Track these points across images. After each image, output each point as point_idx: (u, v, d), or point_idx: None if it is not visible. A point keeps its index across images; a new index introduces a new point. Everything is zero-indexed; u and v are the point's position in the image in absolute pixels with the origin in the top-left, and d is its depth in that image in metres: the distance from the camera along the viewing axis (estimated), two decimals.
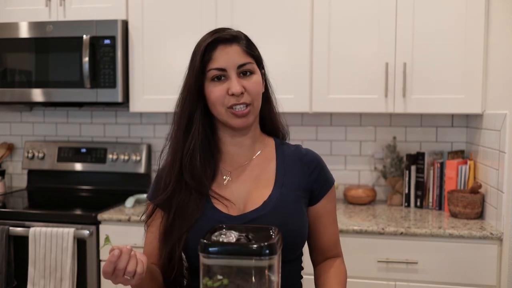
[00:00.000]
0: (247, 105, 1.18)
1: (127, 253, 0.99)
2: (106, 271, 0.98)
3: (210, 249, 0.92)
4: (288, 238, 1.10)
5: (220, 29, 1.22)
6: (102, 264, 2.35)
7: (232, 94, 1.16)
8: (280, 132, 1.34)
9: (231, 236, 0.98)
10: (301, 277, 1.30)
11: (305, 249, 1.29)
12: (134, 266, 1.00)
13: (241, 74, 1.18)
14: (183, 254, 1.19)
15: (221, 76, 1.17)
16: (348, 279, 2.23)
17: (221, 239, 0.97)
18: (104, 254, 2.35)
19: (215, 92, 1.17)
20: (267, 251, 0.91)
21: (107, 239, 1.04)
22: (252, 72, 1.19)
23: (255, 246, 0.92)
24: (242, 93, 1.16)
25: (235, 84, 1.16)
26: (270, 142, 1.31)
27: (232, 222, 1.14)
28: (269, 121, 1.31)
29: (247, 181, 1.23)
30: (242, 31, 1.25)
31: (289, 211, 1.19)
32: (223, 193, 1.21)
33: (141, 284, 1.08)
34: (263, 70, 1.27)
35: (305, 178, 1.24)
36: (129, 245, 1.01)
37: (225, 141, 1.26)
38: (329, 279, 1.23)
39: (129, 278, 1.00)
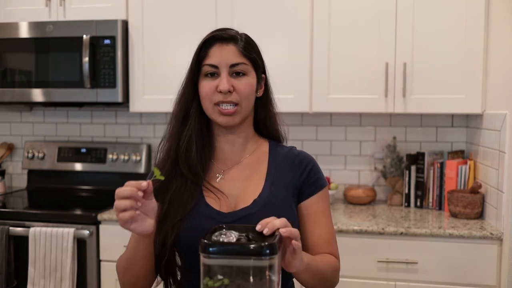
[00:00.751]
0: (235, 104, 1.19)
1: (150, 192, 1.03)
2: (129, 190, 0.99)
3: (211, 249, 0.92)
4: None
5: (222, 29, 1.24)
6: (102, 264, 2.35)
7: (220, 91, 1.18)
8: (277, 136, 1.35)
9: (232, 236, 0.98)
10: (293, 276, 1.30)
11: None
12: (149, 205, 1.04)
13: (234, 74, 1.20)
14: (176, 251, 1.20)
15: (214, 72, 1.19)
16: (348, 279, 2.22)
17: (221, 239, 0.97)
18: (104, 254, 2.35)
19: (205, 87, 1.20)
20: (268, 251, 0.91)
21: (156, 171, 1.06)
22: (244, 73, 1.21)
23: (255, 246, 0.92)
24: (230, 92, 1.18)
25: (223, 81, 1.18)
26: (265, 144, 1.32)
27: (222, 219, 1.16)
28: (265, 124, 1.32)
29: (239, 180, 1.25)
30: (242, 31, 1.26)
31: (279, 210, 1.19)
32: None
33: (138, 255, 1.12)
34: (263, 75, 1.28)
35: (295, 178, 1.26)
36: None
37: (218, 138, 1.28)
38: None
39: (133, 210, 1.01)
